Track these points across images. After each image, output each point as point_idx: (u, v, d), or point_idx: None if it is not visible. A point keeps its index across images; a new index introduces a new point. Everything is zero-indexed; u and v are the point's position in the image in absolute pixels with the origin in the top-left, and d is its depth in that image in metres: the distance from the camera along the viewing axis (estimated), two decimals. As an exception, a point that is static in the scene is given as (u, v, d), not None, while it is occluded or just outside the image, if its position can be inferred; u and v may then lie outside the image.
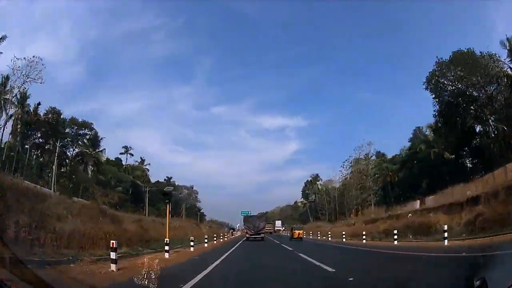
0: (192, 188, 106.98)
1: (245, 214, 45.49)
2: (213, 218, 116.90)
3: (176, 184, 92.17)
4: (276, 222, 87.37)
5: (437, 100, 42.38)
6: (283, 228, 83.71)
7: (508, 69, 37.14)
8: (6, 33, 39.31)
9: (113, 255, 9.91)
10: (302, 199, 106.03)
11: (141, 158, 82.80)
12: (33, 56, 40.58)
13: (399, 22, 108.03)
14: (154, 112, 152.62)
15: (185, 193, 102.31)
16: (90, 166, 56.82)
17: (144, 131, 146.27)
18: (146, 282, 4.92)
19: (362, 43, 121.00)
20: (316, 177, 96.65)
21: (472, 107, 40.41)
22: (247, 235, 37.94)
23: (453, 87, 40.73)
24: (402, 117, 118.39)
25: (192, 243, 21.62)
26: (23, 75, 39.90)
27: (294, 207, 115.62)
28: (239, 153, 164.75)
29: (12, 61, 39.13)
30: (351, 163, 65.02)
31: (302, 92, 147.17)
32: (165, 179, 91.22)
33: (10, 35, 40.83)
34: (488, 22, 74.02)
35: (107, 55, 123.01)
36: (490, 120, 39.34)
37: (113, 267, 9.75)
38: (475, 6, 77.95)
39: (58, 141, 48.33)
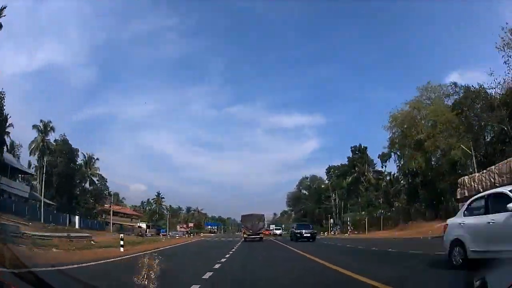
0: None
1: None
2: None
3: None
4: None
5: None
6: None
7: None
8: (15, 36, 37.60)
9: None
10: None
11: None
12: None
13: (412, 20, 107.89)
14: (169, 114, 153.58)
15: None
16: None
17: (158, 133, 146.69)
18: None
19: (376, 42, 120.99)
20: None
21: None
22: (244, 235, 38.01)
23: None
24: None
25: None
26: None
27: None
28: (253, 153, 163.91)
29: None
30: None
31: (317, 90, 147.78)
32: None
33: (17, 39, 39.32)
34: (490, 22, 74.04)
35: (119, 57, 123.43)
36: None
37: None
38: (475, 6, 77.94)
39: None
